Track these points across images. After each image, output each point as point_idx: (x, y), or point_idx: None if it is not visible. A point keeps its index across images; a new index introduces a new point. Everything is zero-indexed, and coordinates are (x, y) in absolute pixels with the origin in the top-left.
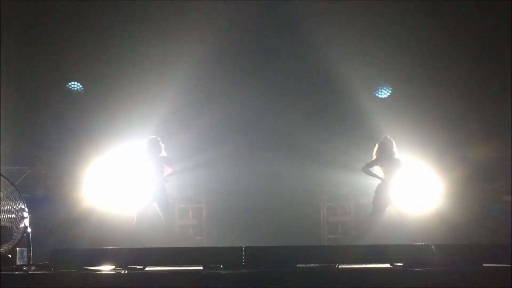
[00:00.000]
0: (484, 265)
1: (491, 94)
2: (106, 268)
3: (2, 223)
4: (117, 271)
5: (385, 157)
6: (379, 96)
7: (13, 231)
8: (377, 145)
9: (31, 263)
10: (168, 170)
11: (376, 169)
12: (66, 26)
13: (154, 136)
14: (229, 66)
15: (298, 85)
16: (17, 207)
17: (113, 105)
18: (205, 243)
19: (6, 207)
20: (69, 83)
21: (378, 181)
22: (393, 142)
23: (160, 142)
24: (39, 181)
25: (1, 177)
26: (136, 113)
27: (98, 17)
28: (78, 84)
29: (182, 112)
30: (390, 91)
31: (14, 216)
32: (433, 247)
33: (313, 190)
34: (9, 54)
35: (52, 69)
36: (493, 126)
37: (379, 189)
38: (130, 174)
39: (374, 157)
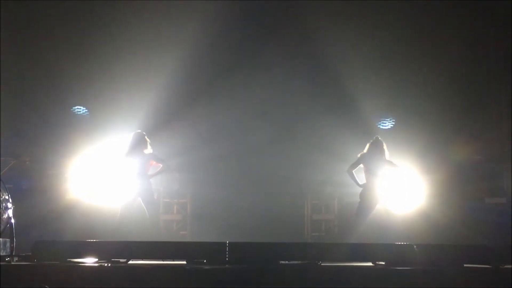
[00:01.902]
0: (464, 265)
1: (473, 97)
2: (89, 261)
3: None
4: (100, 263)
5: (370, 157)
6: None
7: None
8: (367, 145)
9: (14, 254)
10: (157, 167)
11: (361, 169)
12: (51, 22)
13: (140, 131)
14: (219, 65)
15: (284, 88)
16: (1, 197)
17: (99, 99)
18: (189, 238)
19: None
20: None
21: (364, 182)
22: (383, 143)
23: (146, 137)
24: (24, 173)
25: None
26: (123, 106)
27: (83, 13)
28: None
29: (170, 108)
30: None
31: None
32: (415, 246)
33: (297, 188)
34: None
35: (38, 62)
36: (475, 128)
37: (364, 190)
38: (115, 168)
39: (359, 156)
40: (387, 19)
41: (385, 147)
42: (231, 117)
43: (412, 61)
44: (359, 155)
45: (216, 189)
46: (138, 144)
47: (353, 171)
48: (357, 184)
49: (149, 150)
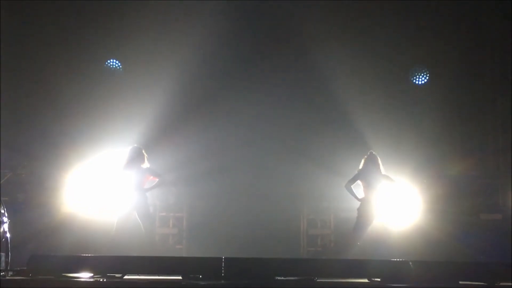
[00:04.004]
0: (460, 282)
1: (469, 113)
2: (85, 276)
3: None
4: (96, 278)
5: (367, 172)
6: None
7: None
8: (362, 161)
9: (9, 268)
10: (153, 181)
11: (358, 184)
12: (46, 32)
13: (137, 145)
14: (217, 80)
15: (280, 103)
16: None
17: (96, 112)
18: (184, 253)
19: None
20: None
21: (362, 196)
22: (378, 158)
23: (143, 151)
24: (19, 186)
25: None
26: (120, 119)
27: (82, 19)
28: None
29: (166, 122)
30: None
31: None
32: (410, 263)
33: (293, 202)
34: None
35: (34, 74)
36: (471, 144)
37: (362, 205)
38: (111, 181)
39: (357, 171)
40: (384, 31)
41: (380, 161)
42: (227, 131)
43: (408, 78)
44: (357, 171)
45: (212, 203)
46: (136, 158)
47: (351, 186)
48: (356, 198)
49: (146, 164)
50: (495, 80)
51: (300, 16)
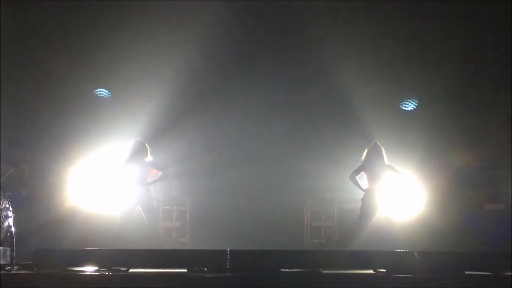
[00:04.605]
0: (465, 272)
1: (473, 103)
2: (90, 269)
3: None
4: (101, 272)
5: (371, 163)
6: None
7: None
8: (365, 151)
9: (14, 262)
10: (156, 174)
11: (362, 175)
12: (52, 30)
13: (140, 139)
14: (219, 74)
15: (283, 96)
16: (1, 206)
17: (100, 105)
18: (188, 246)
19: None
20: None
21: (366, 187)
22: (382, 148)
23: (146, 145)
24: (23, 180)
25: None
26: (123, 114)
27: (86, 17)
28: None
29: (170, 116)
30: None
31: None
32: (416, 254)
33: (297, 194)
34: None
35: (37, 69)
36: (475, 135)
37: (366, 196)
38: (115, 175)
39: (361, 163)
40: (386, 24)
41: (384, 152)
42: (230, 124)
43: (412, 69)
44: (361, 162)
45: (215, 196)
46: (139, 152)
47: (356, 177)
48: (361, 189)
49: (149, 158)
50: (498, 71)
51: (304, 9)
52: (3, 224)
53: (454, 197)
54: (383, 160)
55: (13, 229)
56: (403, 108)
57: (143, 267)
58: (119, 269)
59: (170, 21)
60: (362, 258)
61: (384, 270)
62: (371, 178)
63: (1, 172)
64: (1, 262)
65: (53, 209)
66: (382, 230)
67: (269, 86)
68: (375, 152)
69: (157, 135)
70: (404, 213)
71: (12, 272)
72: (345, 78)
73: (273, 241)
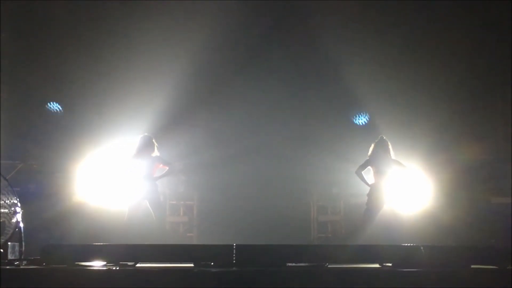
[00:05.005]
0: (472, 266)
1: (480, 97)
2: (98, 264)
3: None
4: (108, 267)
5: (377, 157)
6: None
7: (5, 226)
8: (372, 146)
9: (22, 258)
10: (163, 169)
11: (369, 170)
12: (58, 28)
13: (147, 134)
14: (227, 68)
15: (290, 90)
16: (10, 201)
17: (107, 101)
18: (195, 240)
19: None
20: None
21: (372, 182)
22: (388, 142)
23: (153, 140)
24: (31, 176)
25: None
26: (130, 109)
27: (91, 15)
28: None
29: (177, 110)
30: None
31: (6, 210)
32: (422, 248)
33: (303, 189)
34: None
35: (45, 63)
36: (482, 128)
37: (372, 191)
38: (122, 170)
39: (368, 157)
40: (392, 19)
41: (390, 146)
42: (237, 119)
43: (419, 63)
44: (368, 157)
45: (222, 191)
46: (146, 147)
47: (362, 172)
48: (367, 184)
49: (156, 153)
50: (506, 64)
51: (310, 3)
52: (12, 220)
53: (460, 191)
54: (390, 155)
55: (21, 224)
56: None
57: (150, 262)
58: (127, 264)
59: (178, 15)
60: (369, 252)
61: (390, 264)
62: (377, 173)
63: (9, 167)
64: (10, 257)
65: (61, 204)
66: (388, 224)
67: (276, 81)
68: (381, 147)
69: (165, 130)
70: (410, 207)
71: (21, 267)
72: (353, 73)
73: (280, 235)
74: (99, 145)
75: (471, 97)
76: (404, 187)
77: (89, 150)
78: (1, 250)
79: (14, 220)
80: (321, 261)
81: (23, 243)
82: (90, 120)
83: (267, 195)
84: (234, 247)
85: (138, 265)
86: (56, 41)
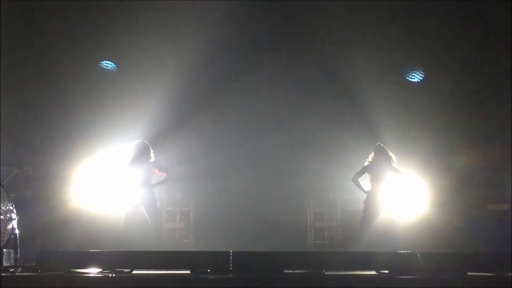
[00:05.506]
0: (468, 273)
1: (477, 104)
2: (93, 271)
3: None
4: (104, 274)
5: (376, 164)
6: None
7: (1, 232)
8: (372, 153)
9: (18, 264)
10: (160, 175)
11: (365, 176)
12: (51, 26)
13: (143, 140)
14: (224, 73)
15: (286, 96)
16: (5, 208)
17: (102, 107)
18: (192, 247)
19: None
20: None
21: (369, 189)
22: (387, 150)
23: (149, 147)
24: (27, 182)
25: None
26: (127, 115)
27: (85, 14)
28: None
29: (172, 117)
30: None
31: (2, 217)
32: (418, 255)
33: (300, 195)
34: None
35: (41, 70)
36: (479, 135)
37: (368, 198)
38: (118, 177)
39: (366, 164)
40: (389, 23)
41: (390, 153)
42: (234, 125)
43: (417, 69)
44: (365, 164)
45: (218, 197)
46: (142, 153)
47: (359, 179)
48: (363, 191)
49: (152, 159)
50: (502, 71)
51: (309, 7)
52: (7, 226)
53: (457, 197)
54: (389, 162)
55: (17, 231)
56: (409, 79)
57: (146, 268)
58: (123, 270)
59: (171, 23)
60: (365, 259)
61: (387, 271)
62: (374, 180)
63: (5, 173)
64: (5, 264)
65: (56, 211)
66: (385, 231)
67: (273, 88)
68: (382, 155)
69: (161, 136)
70: (407, 214)
71: (16, 274)
72: (350, 78)
73: (277, 242)
74: (95, 151)
75: (468, 104)
76: (400, 194)
77: (85, 157)
78: None
79: (9, 226)
80: (318, 268)
81: (19, 250)
82: (86, 127)
83: (264, 201)
84: (231, 253)
85: (134, 272)
86: (51, 45)
